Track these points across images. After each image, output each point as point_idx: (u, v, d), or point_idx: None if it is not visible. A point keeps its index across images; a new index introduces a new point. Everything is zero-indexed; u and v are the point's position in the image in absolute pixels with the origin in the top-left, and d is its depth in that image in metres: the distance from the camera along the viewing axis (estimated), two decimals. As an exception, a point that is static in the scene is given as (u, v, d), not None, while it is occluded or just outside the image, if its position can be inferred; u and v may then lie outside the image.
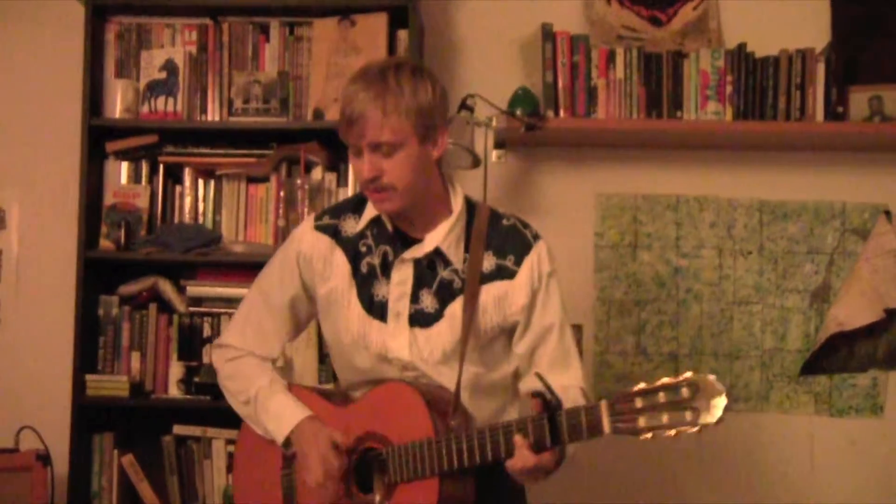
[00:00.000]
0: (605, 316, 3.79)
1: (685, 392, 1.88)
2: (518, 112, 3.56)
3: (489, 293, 2.31)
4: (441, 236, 2.32)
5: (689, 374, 1.90)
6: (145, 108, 3.68)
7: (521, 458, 2.08)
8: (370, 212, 2.39)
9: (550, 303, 2.35)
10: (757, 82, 3.62)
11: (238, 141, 3.64)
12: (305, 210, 3.59)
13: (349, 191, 3.60)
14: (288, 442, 2.39)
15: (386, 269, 2.35)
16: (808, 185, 3.79)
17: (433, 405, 2.24)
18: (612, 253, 3.79)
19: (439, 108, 2.29)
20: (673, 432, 1.89)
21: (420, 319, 2.32)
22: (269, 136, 3.63)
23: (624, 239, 3.80)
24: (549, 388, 2.07)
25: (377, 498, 2.27)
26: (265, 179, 3.68)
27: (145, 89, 3.68)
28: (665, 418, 1.89)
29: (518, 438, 2.08)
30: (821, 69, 3.60)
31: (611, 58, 3.63)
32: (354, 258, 2.39)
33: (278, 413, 2.42)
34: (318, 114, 3.60)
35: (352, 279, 2.38)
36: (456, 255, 2.33)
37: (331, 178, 3.64)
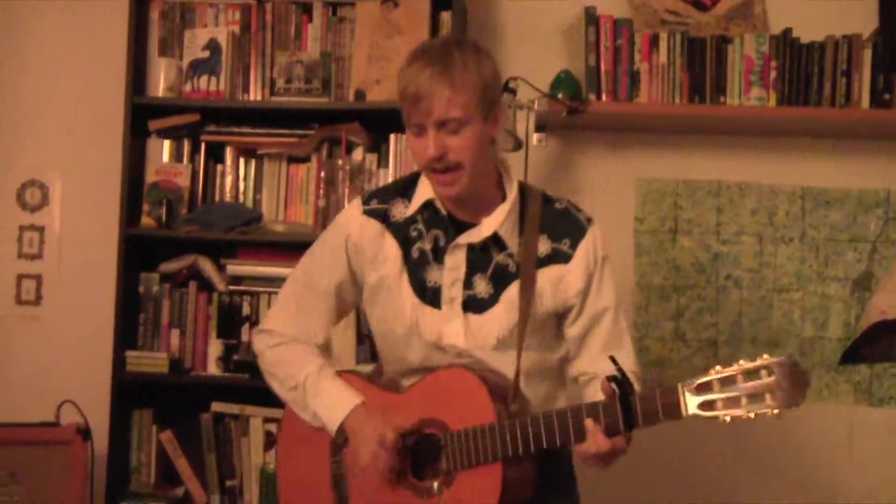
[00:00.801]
0: (644, 301, 3.77)
1: (764, 375, 1.88)
2: (560, 95, 3.55)
3: (545, 277, 2.28)
4: (499, 221, 2.29)
5: (767, 357, 1.91)
6: (188, 87, 3.69)
7: (595, 442, 2.05)
8: (421, 195, 2.35)
9: (605, 286, 2.33)
10: (802, 68, 3.58)
11: (279, 121, 3.65)
12: (346, 191, 3.59)
13: (390, 172, 3.61)
14: (340, 430, 2.35)
15: (438, 254, 2.31)
16: (852, 173, 3.75)
17: (493, 390, 2.21)
18: (651, 238, 3.77)
19: (498, 84, 2.28)
20: (752, 415, 1.89)
21: (474, 305, 2.29)
22: (311, 117, 3.64)
23: (664, 224, 3.78)
24: (621, 371, 2.04)
25: (435, 485, 2.23)
26: (306, 160, 3.68)
27: (188, 68, 3.70)
28: (744, 402, 1.89)
29: (590, 423, 2.06)
30: (867, 55, 3.56)
31: (654, 42, 3.61)
32: (405, 243, 2.35)
33: (330, 400, 2.37)
34: (359, 95, 3.60)
35: (403, 265, 2.34)
36: (512, 240, 2.30)
37: (371, 159, 3.64)
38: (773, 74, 3.57)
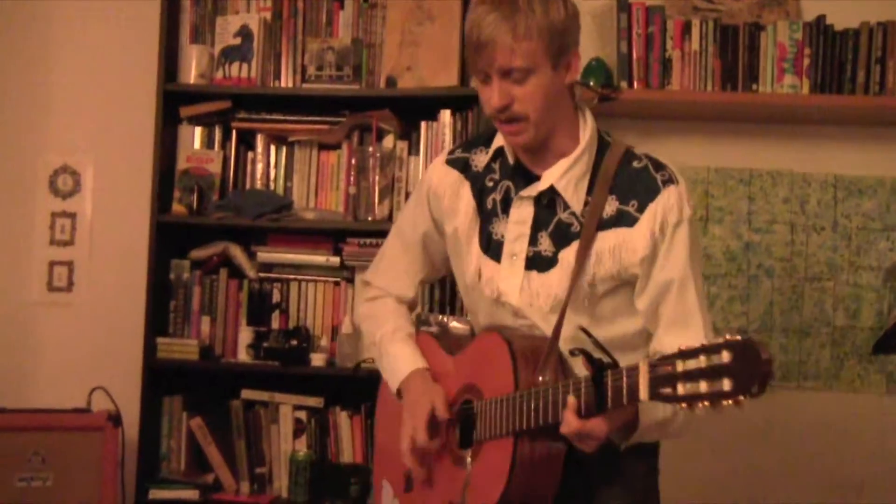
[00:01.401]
0: (675, 290, 3.75)
1: (725, 356, 1.60)
2: (591, 83, 3.53)
3: (606, 241, 2.10)
4: (558, 174, 2.13)
5: (730, 336, 1.63)
6: (219, 74, 3.70)
7: (565, 422, 1.89)
8: (496, 142, 2.25)
9: (673, 256, 2.08)
10: (835, 55, 3.56)
11: (310, 108, 3.65)
12: (377, 178, 3.59)
13: (420, 159, 3.60)
14: (399, 393, 2.33)
15: (506, 205, 2.21)
16: (885, 161, 3.73)
17: (524, 359, 2.08)
18: (683, 227, 3.75)
19: (572, 28, 2.10)
20: (707, 404, 1.62)
21: (538, 263, 2.16)
22: (342, 104, 3.64)
23: (695, 213, 3.73)
24: (598, 344, 1.90)
25: (468, 455, 2.16)
26: (337, 147, 3.69)
27: (220, 55, 3.71)
28: (703, 386, 1.62)
29: (571, 400, 1.89)
30: (902, 42, 3.54)
31: (686, 29, 3.59)
32: (480, 193, 2.26)
33: (393, 362, 2.36)
34: (391, 81, 3.60)
35: (476, 216, 2.26)
36: (575, 197, 2.14)
37: (402, 146, 3.64)
38: (806, 62, 3.55)
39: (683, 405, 1.66)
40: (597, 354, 1.88)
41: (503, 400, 2.06)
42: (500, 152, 2.25)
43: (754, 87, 3.58)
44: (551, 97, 2.09)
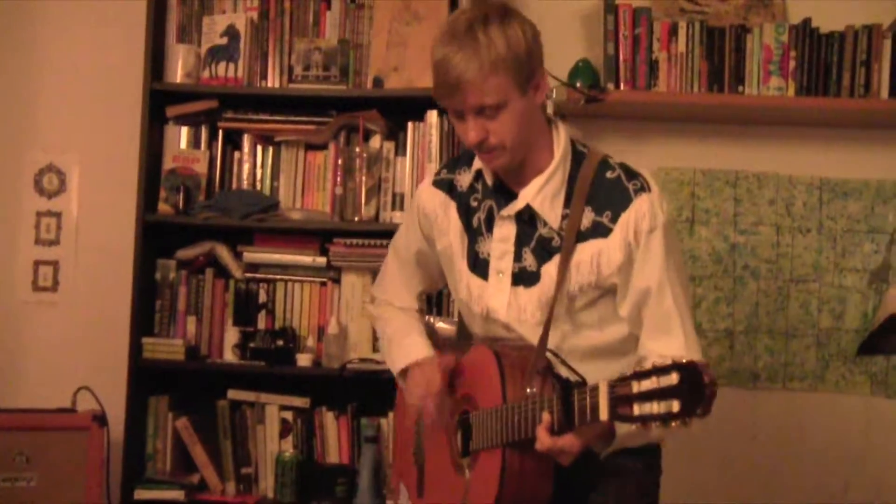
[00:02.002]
0: (661, 291, 3.76)
1: (674, 377, 1.65)
2: (578, 84, 3.55)
3: (584, 252, 2.16)
4: (533, 193, 2.20)
5: (679, 356, 1.70)
6: (206, 74, 3.70)
7: (538, 440, 1.96)
8: (476, 163, 2.30)
9: (649, 263, 2.14)
10: (821, 58, 3.58)
11: (297, 108, 3.65)
12: (363, 178, 3.59)
13: (407, 159, 3.61)
14: (405, 373, 2.40)
15: (491, 224, 2.27)
16: (871, 163, 3.74)
17: (512, 372, 2.13)
18: (669, 228, 3.76)
19: (535, 51, 2.14)
20: (659, 424, 1.67)
21: (524, 278, 2.22)
22: (329, 104, 3.64)
23: (682, 214, 3.77)
24: (567, 365, 1.96)
25: (466, 463, 2.22)
26: (324, 147, 3.68)
27: (206, 54, 3.70)
28: (655, 407, 1.67)
29: (546, 416, 1.95)
30: (887, 45, 3.55)
31: (673, 31, 3.60)
32: (466, 213, 2.32)
33: (407, 349, 2.42)
34: (377, 82, 3.60)
35: (464, 235, 2.32)
36: (552, 213, 2.19)
37: (389, 146, 3.64)
38: (792, 64, 3.57)
39: (638, 425, 1.71)
40: (564, 374, 1.96)
41: (492, 412, 2.12)
42: (480, 174, 2.31)
43: (740, 88, 3.59)
44: (524, 122, 2.14)
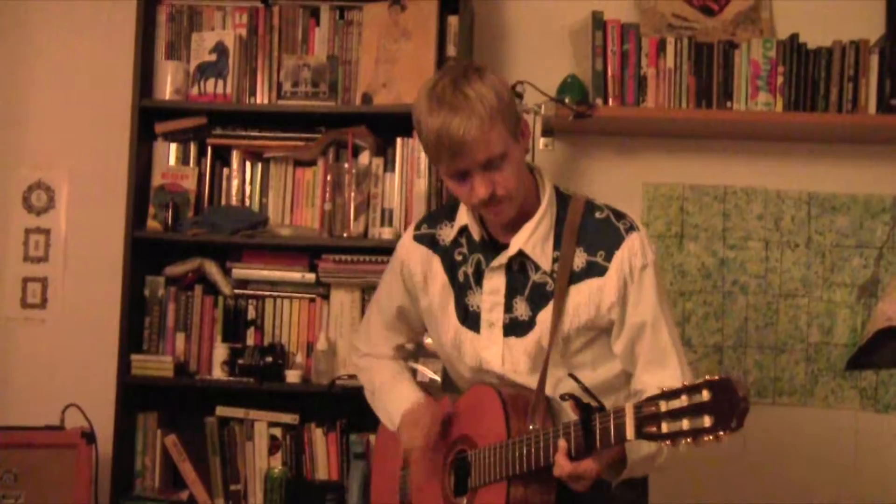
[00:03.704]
0: (650, 306, 3.76)
1: (706, 394, 1.70)
2: (567, 100, 3.55)
3: (580, 293, 2.22)
4: (524, 238, 2.24)
5: (709, 375, 1.74)
6: (195, 90, 3.69)
7: (557, 465, 2.00)
8: (461, 219, 2.34)
9: (644, 298, 2.21)
10: (809, 73, 3.59)
11: (286, 124, 3.64)
12: (352, 194, 3.59)
13: (396, 175, 3.60)
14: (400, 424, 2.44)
15: (479, 277, 2.30)
16: (859, 178, 3.76)
17: (513, 408, 2.17)
18: (658, 243, 3.77)
19: (513, 98, 2.22)
20: (690, 440, 1.73)
21: (515, 329, 2.27)
22: (318, 120, 3.63)
23: (670, 229, 3.77)
24: (586, 389, 1.99)
25: (463, 501, 2.25)
26: (312, 163, 3.68)
27: (195, 71, 3.70)
28: (685, 423, 1.73)
29: (562, 443, 2.00)
30: (874, 61, 3.56)
31: (661, 47, 3.61)
32: (451, 268, 2.36)
33: (397, 399, 2.47)
34: (366, 98, 3.60)
35: (450, 289, 2.36)
36: (543, 256, 2.24)
37: (378, 162, 3.63)
38: (779, 79, 3.58)
39: (668, 442, 1.76)
40: (585, 399, 1.97)
41: (496, 447, 2.16)
42: (465, 229, 2.34)
43: (728, 104, 3.60)
44: (521, 168, 2.21)
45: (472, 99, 2.09)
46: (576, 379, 2.04)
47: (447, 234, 2.38)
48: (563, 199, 2.30)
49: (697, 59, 3.60)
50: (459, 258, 2.35)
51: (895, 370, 3.73)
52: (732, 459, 3.70)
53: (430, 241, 2.40)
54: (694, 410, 1.71)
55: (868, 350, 3.71)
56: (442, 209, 2.47)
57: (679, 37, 3.63)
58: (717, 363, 3.72)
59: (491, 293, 2.29)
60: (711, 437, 1.69)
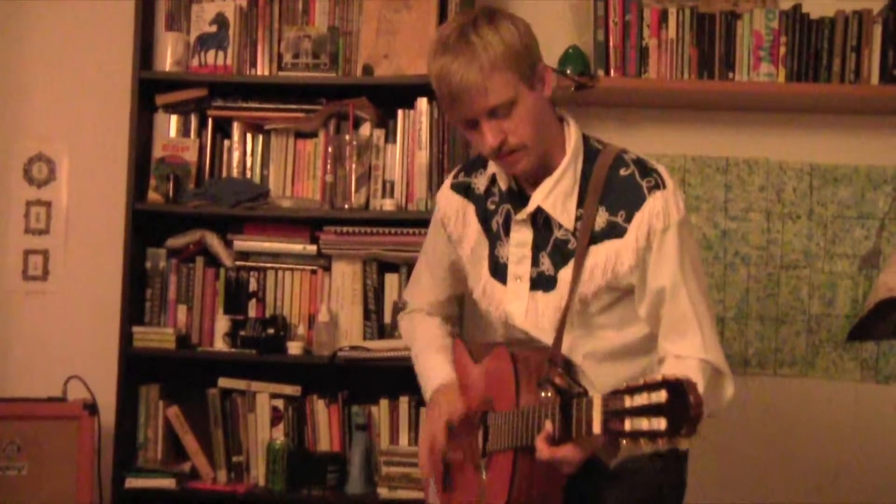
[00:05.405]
0: (652, 278, 3.76)
1: (663, 394, 1.61)
2: (568, 71, 3.54)
3: (599, 254, 2.11)
4: (543, 194, 2.15)
5: (670, 373, 1.65)
6: (195, 62, 3.68)
7: (538, 450, 1.94)
8: (491, 167, 2.27)
9: (663, 263, 2.08)
10: (811, 44, 3.58)
11: (287, 96, 3.63)
12: (353, 166, 3.58)
13: (397, 147, 3.59)
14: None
15: (508, 228, 2.23)
16: (861, 149, 3.75)
17: (527, 376, 2.09)
18: (659, 215, 3.76)
19: (530, 43, 2.10)
20: (643, 442, 1.64)
21: (543, 283, 2.17)
22: (319, 92, 3.62)
23: (686, 214, 3.75)
24: (568, 375, 1.95)
25: (483, 464, 2.22)
26: (313, 135, 3.67)
27: (195, 43, 3.68)
28: (645, 423, 1.63)
29: (547, 424, 1.92)
30: (877, 31, 3.55)
31: (663, 17, 3.59)
32: (485, 217, 2.29)
33: (426, 373, 2.44)
34: (367, 70, 3.59)
35: (484, 239, 2.29)
36: (565, 213, 2.14)
37: (379, 134, 3.63)
38: (782, 50, 3.57)
39: (626, 441, 1.68)
40: (565, 384, 1.94)
41: (506, 416, 2.11)
42: (495, 178, 2.27)
43: (731, 75, 3.59)
44: (539, 117, 2.10)
45: (476, 45, 2.03)
46: (555, 363, 2.01)
47: (481, 182, 2.31)
48: (591, 153, 2.19)
49: (700, 30, 3.59)
50: (492, 207, 2.28)
51: (896, 341, 3.73)
52: (733, 429, 3.70)
53: (465, 190, 2.34)
54: (653, 410, 1.63)
55: (869, 321, 3.70)
56: (480, 156, 2.35)
57: (681, 7, 3.61)
58: (718, 335, 3.71)
59: (518, 245, 2.21)
60: (665, 441, 1.61)
